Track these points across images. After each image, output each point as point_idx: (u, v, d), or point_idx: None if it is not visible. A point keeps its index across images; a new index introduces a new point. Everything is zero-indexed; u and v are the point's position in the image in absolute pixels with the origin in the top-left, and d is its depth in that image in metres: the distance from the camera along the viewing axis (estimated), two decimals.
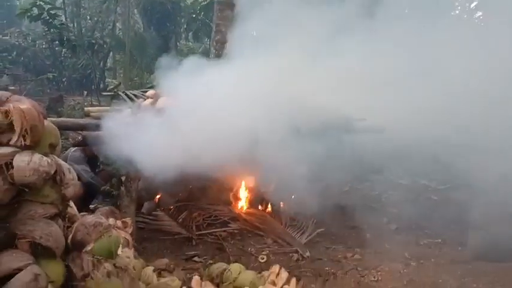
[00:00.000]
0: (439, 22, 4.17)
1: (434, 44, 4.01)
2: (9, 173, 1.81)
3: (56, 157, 2.04)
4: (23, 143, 1.88)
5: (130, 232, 2.97)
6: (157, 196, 4.42)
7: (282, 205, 4.55)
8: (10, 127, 1.91)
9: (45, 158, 1.91)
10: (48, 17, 9.18)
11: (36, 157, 1.87)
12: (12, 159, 1.83)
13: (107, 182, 4.07)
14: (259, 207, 4.62)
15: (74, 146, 4.00)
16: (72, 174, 2.05)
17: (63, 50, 11.11)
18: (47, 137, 2.00)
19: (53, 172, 1.92)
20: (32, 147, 1.92)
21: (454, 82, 3.82)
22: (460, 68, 3.73)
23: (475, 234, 3.81)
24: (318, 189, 3.95)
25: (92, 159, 4.07)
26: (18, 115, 1.89)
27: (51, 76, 10.85)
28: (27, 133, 1.89)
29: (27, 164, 1.82)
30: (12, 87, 10.31)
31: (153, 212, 4.27)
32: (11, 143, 1.89)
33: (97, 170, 4.11)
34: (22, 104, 1.94)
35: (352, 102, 3.86)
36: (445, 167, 4.18)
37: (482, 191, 3.84)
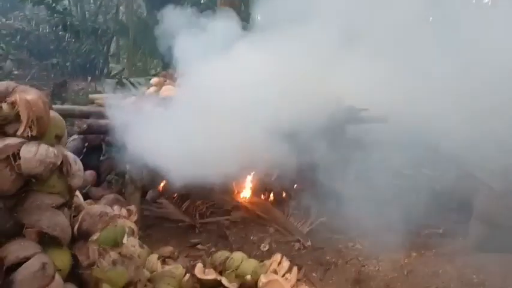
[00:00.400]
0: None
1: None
2: (16, 163, 1.84)
3: (62, 148, 2.06)
4: (29, 133, 1.90)
5: (135, 220, 3.02)
6: (162, 184, 4.44)
7: (284, 194, 4.58)
8: (17, 118, 1.93)
9: (51, 148, 1.93)
10: (51, 2, 9.11)
11: (43, 148, 1.89)
12: (19, 150, 1.85)
13: (110, 171, 4.09)
14: (262, 196, 4.64)
15: (79, 134, 4.01)
16: (78, 164, 2.08)
17: (67, 35, 11.04)
18: (53, 128, 2.02)
19: (59, 163, 1.94)
20: (38, 138, 1.94)
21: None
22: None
23: (476, 225, 3.83)
24: (320, 179, 3.98)
25: (95, 148, 4.09)
26: (25, 106, 1.90)
27: (55, 61, 10.81)
28: (33, 124, 1.91)
29: (34, 155, 1.85)
30: (16, 72, 10.30)
31: (157, 200, 4.31)
32: (18, 133, 1.91)
33: (101, 159, 4.14)
34: (28, 95, 1.95)
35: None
36: (448, 156, 4.18)
37: (484, 182, 3.85)
